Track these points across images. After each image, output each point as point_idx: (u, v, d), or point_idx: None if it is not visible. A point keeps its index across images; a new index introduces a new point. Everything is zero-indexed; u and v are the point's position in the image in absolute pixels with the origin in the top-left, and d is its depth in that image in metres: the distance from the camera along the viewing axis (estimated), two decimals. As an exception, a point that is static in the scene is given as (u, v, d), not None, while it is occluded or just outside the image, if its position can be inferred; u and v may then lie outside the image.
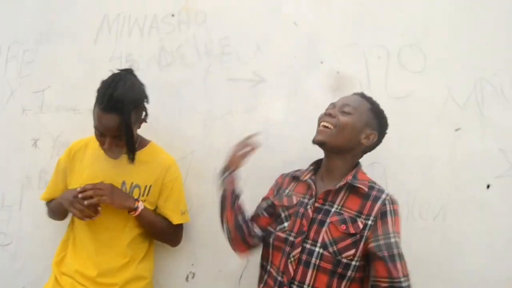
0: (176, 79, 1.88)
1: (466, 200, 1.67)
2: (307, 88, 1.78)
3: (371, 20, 1.77)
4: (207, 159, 1.81)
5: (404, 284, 1.24)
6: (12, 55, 2.04)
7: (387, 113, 1.48)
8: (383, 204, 1.33)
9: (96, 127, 1.51)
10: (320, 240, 1.32)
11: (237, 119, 1.83)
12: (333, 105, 1.46)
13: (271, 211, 1.48)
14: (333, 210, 1.36)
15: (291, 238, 1.37)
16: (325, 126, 1.41)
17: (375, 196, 1.35)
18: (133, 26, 1.94)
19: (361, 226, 1.31)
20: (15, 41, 2.05)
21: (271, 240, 1.42)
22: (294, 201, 1.43)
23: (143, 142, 1.71)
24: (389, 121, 1.48)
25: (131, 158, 1.55)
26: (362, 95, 1.48)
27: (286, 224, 1.40)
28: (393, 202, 1.35)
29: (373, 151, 1.49)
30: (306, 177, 1.46)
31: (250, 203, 1.52)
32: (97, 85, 1.53)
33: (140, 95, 1.58)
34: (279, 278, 1.36)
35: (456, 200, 1.68)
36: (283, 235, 1.39)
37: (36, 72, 2.01)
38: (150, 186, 1.62)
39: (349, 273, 1.31)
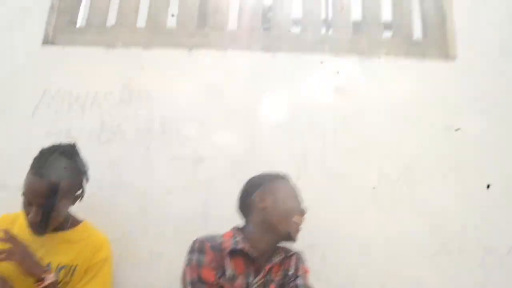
0: (116, 155, 1.85)
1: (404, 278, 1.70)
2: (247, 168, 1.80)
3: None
4: (142, 241, 1.75)
5: None
6: None
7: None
8: (297, 259, 1.50)
9: (24, 194, 1.45)
10: None
11: (176, 197, 1.80)
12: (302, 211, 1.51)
13: None
14: (276, 278, 1.43)
15: None
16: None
17: (295, 258, 1.50)
18: (74, 102, 1.93)
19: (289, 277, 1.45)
20: None
21: None
22: (242, 283, 1.38)
23: (76, 221, 1.62)
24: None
25: (42, 227, 1.45)
26: None
27: None
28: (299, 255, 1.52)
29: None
30: (247, 248, 1.42)
31: None
32: (30, 160, 1.49)
33: (78, 169, 1.55)
34: None
35: (394, 278, 1.70)
36: None
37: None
38: (76, 266, 1.52)
39: None
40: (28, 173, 1.46)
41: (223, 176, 1.80)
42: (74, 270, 1.52)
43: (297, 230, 1.46)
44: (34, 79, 1.96)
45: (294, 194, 1.52)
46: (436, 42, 1.98)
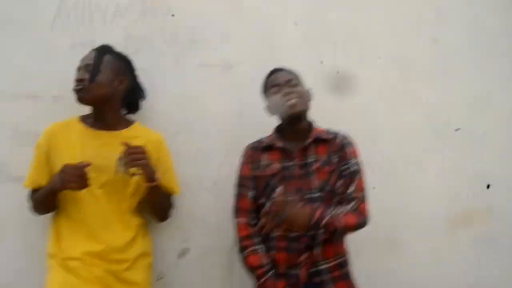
0: (146, 64, 1.90)
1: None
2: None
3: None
4: (188, 140, 1.88)
5: (356, 195, 1.55)
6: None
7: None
8: (340, 141, 1.64)
9: (78, 68, 1.62)
10: (314, 185, 1.57)
11: (211, 100, 1.95)
12: (279, 85, 1.65)
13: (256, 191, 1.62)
14: (312, 160, 1.61)
15: (290, 198, 1.50)
16: (294, 99, 1.60)
17: (332, 138, 1.65)
18: (94, 13, 1.92)
19: (335, 161, 1.61)
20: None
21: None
22: (277, 168, 1.61)
23: (129, 122, 1.71)
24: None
25: (85, 90, 1.57)
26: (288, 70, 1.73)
27: (278, 189, 1.54)
28: (345, 137, 1.67)
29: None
30: (280, 144, 1.64)
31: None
32: (58, 71, 1.69)
33: (128, 62, 1.71)
34: (292, 234, 1.52)
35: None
36: (281, 199, 1.47)
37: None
38: None
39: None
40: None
41: (252, 80, 1.95)
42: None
43: (294, 107, 1.60)
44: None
45: (275, 81, 1.67)
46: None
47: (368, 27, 2.12)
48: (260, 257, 1.56)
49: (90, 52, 1.65)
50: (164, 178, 1.62)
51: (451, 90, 2.18)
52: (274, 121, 1.71)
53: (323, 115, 1.76)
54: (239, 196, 1.64)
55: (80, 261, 1.48)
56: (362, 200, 1.56)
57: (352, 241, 1.67)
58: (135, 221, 1.64)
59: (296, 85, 1.65)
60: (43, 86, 1.84)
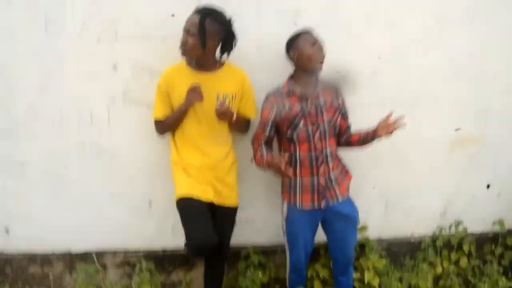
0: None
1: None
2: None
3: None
4: (261, 77, 2.45)
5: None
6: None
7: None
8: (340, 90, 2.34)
9: (184, 28, 2.10)
10: (325, 120, 2.23)
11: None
12: (314, 43, 2.19)
13: (275, 127, 2.24)
14: (321, 103, 2.24)
15: (309, 129, 2.21)
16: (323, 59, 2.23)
17: (334, 87, 2.32)
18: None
19: (337, 104, 2.29)
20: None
21: (294, 137, 2.22)
22: (298, 109, 2.23)
23: (222, 63, 2.26)
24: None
25: (201, 46, 2.10)
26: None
27: (301, 123, 2.22)
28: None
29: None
30: (297, 90, 2.23)
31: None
32: (168, 18, 2.24)
33: (224, 22, 2.15)
34: (312, 154, 2.23)
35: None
36: (303, 130, 2.21)
37: (105, 2, 2.32)
38: (235, 93, 2.24)
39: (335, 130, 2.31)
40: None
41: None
42: (234, 96, 2.24)
43: (319, 64, 2.20)
44: None
45: (312, 40, 2.20)
46: None
47: None
48: (262, 155, 2.23)
49: (192, 14, 2.11)
50: (245, 105, 2.30)
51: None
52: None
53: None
54: (258, 133, 2.27)
55: (197, 168, 2.24)
56: None
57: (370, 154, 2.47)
58: (228, 139, 2.34)
59: (323, 49, 2.22)
60: (153, 28, 2.35)
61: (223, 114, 2.10)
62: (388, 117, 2.21)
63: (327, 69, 2.30)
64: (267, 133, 2.25)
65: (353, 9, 2.49)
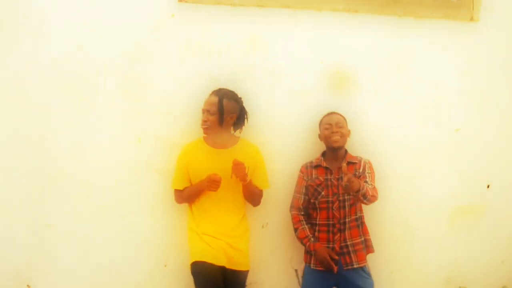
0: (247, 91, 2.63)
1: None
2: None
3: None
4: (273, 150, 2.67)
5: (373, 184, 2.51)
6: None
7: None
8: (363, 164, 2.54)
9: (202, 109, 2.41)
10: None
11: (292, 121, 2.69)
12: (330, 125, 2.50)
13: (307, 193, 2.51)
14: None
15: (329, 199, 2.45)
16: (337, 137, 2.50)
17: (358, 162, 2.55)
18: (212, 51, 2.61)
19: (359, 177, 2.47)
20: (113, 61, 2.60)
21: (317, 204, 2.46)
22: (322, 179, 2.49)
23: (237, 139, 2.52)
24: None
25: (220, 123, 2.39)
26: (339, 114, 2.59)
27: (323, 193, 2.47)
28: (366, 162, 2.56)
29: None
30: (324, 164, 2.51)
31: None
32: (187, 97, 2.55)
33: (238, 101, 2.44)
34: (330, 221, 2.42)
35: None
36: (324, 199, 2.45)
37: (133, 86, 2.61)
38: (248, 167, 2.42)
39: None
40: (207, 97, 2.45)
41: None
42: (247, 169, 2.42)
43: (335, 143, 2.48)
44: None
45: (328, 122, 2.52)
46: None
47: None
48: (306, 232, 2.49)
49: (210, 96, 2.41)
50: (258, 177, 2.50)
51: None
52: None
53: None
54: (295, 198, 2.57)
55: (210, 236, 2.41)
56: (375, 188, 2.48)
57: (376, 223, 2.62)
58: (241, 208, 2.52)
59: (342, 127, 2.51)
60: (178, 105, 2.62)
61: (237, 168, 2.30)
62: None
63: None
64: (302, 198, 2.53)
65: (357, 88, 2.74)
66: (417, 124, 2.85)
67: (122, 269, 2.74)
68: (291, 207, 2.59)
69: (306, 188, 2.53)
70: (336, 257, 2.43)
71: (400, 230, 2.86)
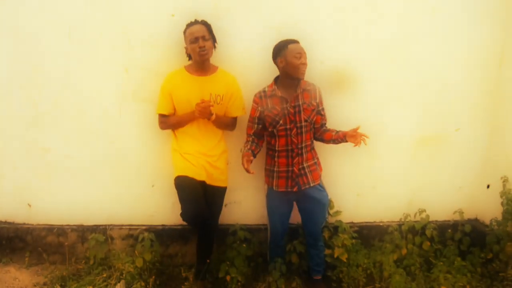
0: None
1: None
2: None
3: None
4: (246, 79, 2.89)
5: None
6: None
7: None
8: (319, 91, 2.69)
9: (191, 38, 2.54)
10: (302, 119, 2.61)
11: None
12: (300, 54, 2.54)
13: (261, 122, 2.66)
14: (300, 103, 2.61)
15: (287, 126, 2.61)
16: (304, 71, 2.59)
17: (312, 88, 2.67)
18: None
19: (315, 104, 2.65)
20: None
21: (275, 132, 2.62)
22: (279, 109, 2.62)
23: (215, 68, 2.71)
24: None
25: (205, 52, 2.56)
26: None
27: (281, 122, 2.61)
28: (318, 88, 2.71)
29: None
30: (280, 94, 2.62)
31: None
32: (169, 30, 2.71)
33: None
34: (289, 147, 2.63)
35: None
36: (282, 127, 2.61)
37: (119, 15, 2.79)
38: (224, 94, 2.67)
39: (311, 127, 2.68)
40: (186, 29, 2.60)
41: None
42: (223, 96, 2.68)
43: (302, 74, 2.57)
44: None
45: (298, 51, 2.54)
46: None
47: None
48: (247, 152, 2.59)
49: (195, 25, 2.58)
50: (234, 105, 2.74)
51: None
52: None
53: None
54: (247, 126, 2.73)
55: (192, 155, 2.67)
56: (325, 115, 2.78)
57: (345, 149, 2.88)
58: (218, 131, 2.77)
59: (306, 58, 2.59)
60: (161, 37, 2.82)
61: (200, 111, 2.51)
62: (355, 129, 2.59)
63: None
64: (255, 127, 2.68)
65: (327, 22, 2.92)
66: (386, 58, 3.04)
67: (113, 190, 3.04)
68: (247, 133, 2.74)
69: (260, 118, 2.65)
70: (298, 178, 2.68)
71: (367, 158, 3.13)
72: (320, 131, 2.77)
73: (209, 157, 2.71)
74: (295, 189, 2.68)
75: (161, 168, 2.96)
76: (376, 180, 3.21)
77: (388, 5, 2.95)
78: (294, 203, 2.82)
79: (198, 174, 2.65)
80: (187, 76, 2.66)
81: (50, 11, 2.79)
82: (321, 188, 2.77)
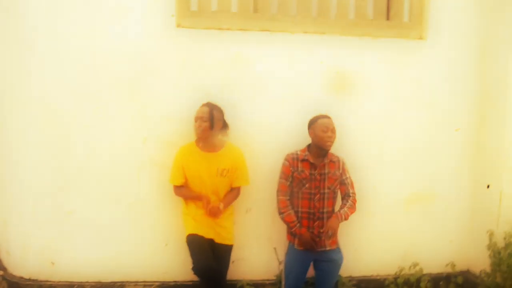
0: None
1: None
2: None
3: None
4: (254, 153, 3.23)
5: (353, 192, 3.04)
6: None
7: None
8: (341, 163, 3.03)
9: (195, 117, 2.92)
10: (326, 186, 2.94)
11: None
12: (327, 128, 2.89)
13: (292, 183, 2.98)
14: (326, 172, 2.96)
15: (312, 191, 2.94)
16: (331, 143, 2.94)
17: (337, 160, 3.02)
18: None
19: (338, 174, 2.98)
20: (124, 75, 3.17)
21: (300, 195, 2.94)
22: (307, 173, 2.96)
23: (223, 143, 3.05)
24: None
25: (211, 128, 2.91)
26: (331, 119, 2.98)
27: (307, 185, 2.94)
28: (344, 161, 3.06)
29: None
30: (311, 160, 2.96)
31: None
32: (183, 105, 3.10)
33: (222, 112, 3.00)
34: (311, 210, 2.93)
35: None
36: (307, 191, 2.94)
37: (139, 96, 3.18)
38: (230, 168, 3.00)
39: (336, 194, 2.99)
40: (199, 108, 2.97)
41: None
42: (229, 169, 3.00)
43: (328, 146, 2.91)
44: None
45: (326, 126, 2.90)
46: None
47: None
48: (293, 217, 2.96)
49: (202, 107, 2.95)
50: (239, 177, 3.06)
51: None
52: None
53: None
54: (281, 183, 3.02)
55: (201, 217, 2.98)
56: (355, 196, 3.02)
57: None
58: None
59: (334, 132, 2.94)
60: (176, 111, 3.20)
61: (210, 212, 2.92)
62: None
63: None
64: (287, 184, 2.97)
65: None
66: (377, 127, 3.41)
67: (131, 250, 3.32)
68: (278, 191, 2.98)
69: (292, 177, 2.96)
70: (318, 239, 2.93)
71: (363, 216, 3.38)
72: (343, 200, 3.05)
73: (217, 219, 3.00)
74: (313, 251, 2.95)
75: (173, 229, 3.25)
76: (372, 236, 3.48)
77: (377, 80, 3.36)
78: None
79: (207, 232, 2.96)
80: (196, 152, 3.00)
81: (75, 87, 3.18)
82: (338, 249, 3.05)
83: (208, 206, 2.89)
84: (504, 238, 3.26)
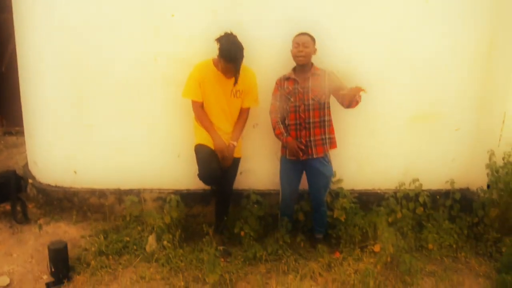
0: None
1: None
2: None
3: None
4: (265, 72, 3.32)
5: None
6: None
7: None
8: (328, 75, 3.11)
9: (223, 69, 2.95)
10: (310, 98, 3.05)
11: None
12: (298, 44, 3.01)
13: (281, 102, 3.12)
14: (309, 85, 3.06)
15: (296, 103, 3.07)
16: (301, 57, 3.03)
17: (322, 74, 3.09)
18: None
19: (324, 86, 3.08)
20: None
21: (287, 109, 3.09)
22: (291, 88, 3.09)
23: None
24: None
25: (235, 83, 3.02)
26: (308, 35, 3.07)
27: (292, 99, 3.09)
28: (329, 73, 3.12)
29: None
30: (293, 76, 3.10)
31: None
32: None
33: (242, 50, 2.95)
34: (297, 122, 3.08)
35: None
36: (292, 104, 3.08)
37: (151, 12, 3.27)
38: (243, 90, 3.10)
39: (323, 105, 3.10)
40: (221, 57, 2.91)
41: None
42: (242, 91, 3.11)
43: (300, 60, 3.04)
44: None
45: (296, 42, 3.03)
46: None
47: None
48: (281, 129, 3.13)
49: (231, 51, 2.86)
50: (250, 98, 3.18)
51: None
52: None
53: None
54: (272, 104, 3.19)
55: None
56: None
57: (347, 125, 3.30)
58: (235, 116, 3.21)
59: (307, 47, 3.02)
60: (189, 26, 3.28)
61: (224, 159, 3.09)
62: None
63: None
64: (276, 104, 3.14)
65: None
66: (384, 46, 3.42)
67: (147, 160, 3.56)
68: (270, 112, 3.20)
69: (280, 96, 3.14)
70: (303, 147, 3.10)
71: (367, 134, 3.54)
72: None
73: (227, 134, 3.17)
74: (302, 156, 3.12)
75: (184, 141, 3.44)
76: (374, 152, 3.61)
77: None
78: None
79: (216, 144, 3.15)
80: (213, 72, 3.05)
81: (92, 10, 3.30)
82: (325, 162, 3.20)
83: (225, 154, 3.07)
84: (503, 158, 3.35)
